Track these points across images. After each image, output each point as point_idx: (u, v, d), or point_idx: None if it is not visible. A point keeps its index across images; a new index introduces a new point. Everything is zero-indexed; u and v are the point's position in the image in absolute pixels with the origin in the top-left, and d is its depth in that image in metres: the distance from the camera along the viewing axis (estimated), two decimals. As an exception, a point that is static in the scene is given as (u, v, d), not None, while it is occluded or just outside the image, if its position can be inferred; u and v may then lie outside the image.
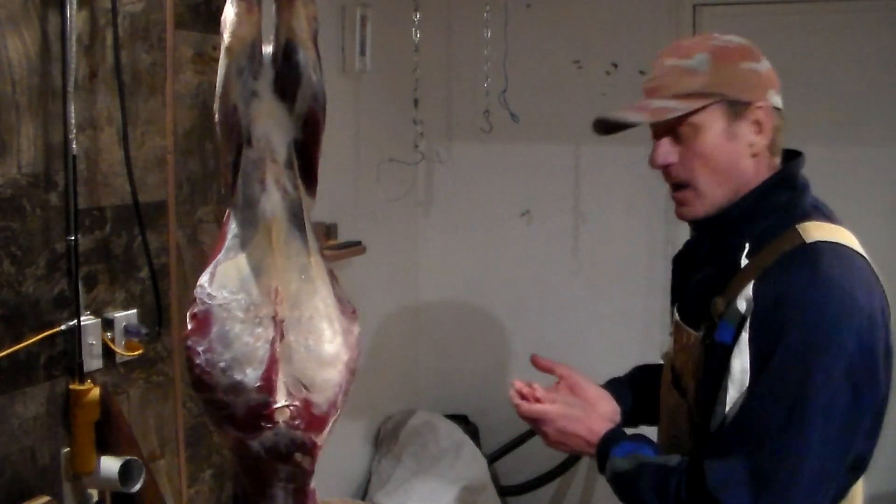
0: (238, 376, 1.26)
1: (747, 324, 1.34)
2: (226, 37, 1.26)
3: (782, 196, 1.43)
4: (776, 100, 1.46)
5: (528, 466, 3.27)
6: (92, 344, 1.87)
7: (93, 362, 1.88)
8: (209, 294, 1.29)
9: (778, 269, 1.35)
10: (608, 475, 1.48)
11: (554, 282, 3.32)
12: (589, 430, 1.53)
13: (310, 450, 1.32)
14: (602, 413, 1.59)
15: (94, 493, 1.90)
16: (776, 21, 2.91)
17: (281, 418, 1.28)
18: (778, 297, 1.33)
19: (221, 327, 1.27)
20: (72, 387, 1.82)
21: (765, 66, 1.47)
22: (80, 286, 1.83)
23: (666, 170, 1.46)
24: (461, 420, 3.35)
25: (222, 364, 1.26)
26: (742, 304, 1.36)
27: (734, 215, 1.44)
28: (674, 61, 1.46)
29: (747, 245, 1.41)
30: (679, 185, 1.46)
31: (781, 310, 1.32)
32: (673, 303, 1.68)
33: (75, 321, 1.82)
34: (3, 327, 1.70)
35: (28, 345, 1.74)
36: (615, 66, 3.13)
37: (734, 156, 1.42)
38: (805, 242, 1.36)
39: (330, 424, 1.33)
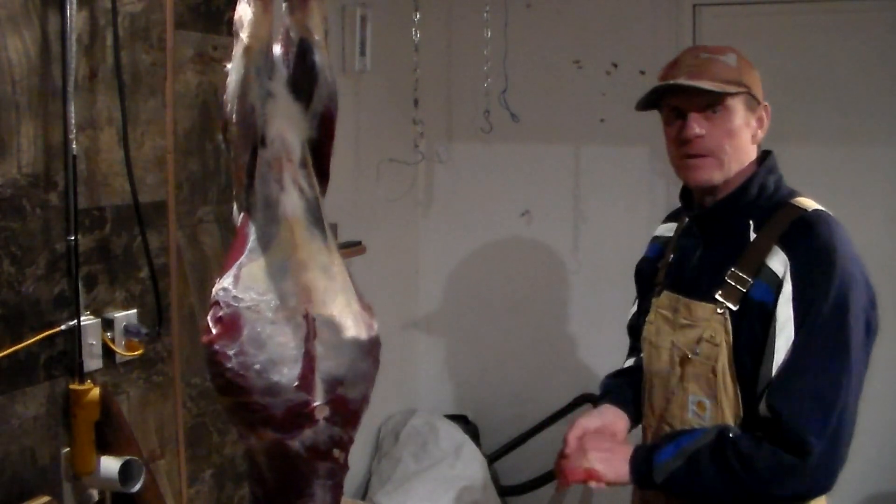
0: (275, 377, 1.26)
1: (787, 279, 1.59)
2: (244, 37, 1.26)
3: (771, 182, 1.73)
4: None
5: (528, 466, 3.26)
6: (92, 344, 1.87)
7: (93, 362, 1.89)
8: (235, 296, 1.28)
9: (797, 232, 1.63)
10: (661, 479, 1.64)
11: (554, 282, 3.32)
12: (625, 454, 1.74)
13: (346, 445, 1.34)
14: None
15: (94, 493, 1.90)
16: (776, 21, 2.91)
17: (321, 416, 1.29)
18: (810, 253, 1.60)
19: (253, 329, 1.26)
20: (72, 387, 1.82)
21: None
22: (80, 286, 1.83)
23: (695, 140, 1.70)
24: (461, 420, 3.35)
25: (257, 366, 1.25)
26: (778, 267, 1.61)
27: (738, 201, 1.71)
28: (708, 55, 1.72)
29: (751, 223, 1.68)
30: (699, 155, 1.71)
31: (816, 262, 1.59)
32: (643, 299, 1.93)
33: (75, 321, 1.82)
34: (3, 327, 1.70)
35: (28, 345, 1.74)
36: (615, 66, 3.13)
37: (746, 140, 1.72)
38: (807, 211, 1.66)
39: (361, 418, 1.36)
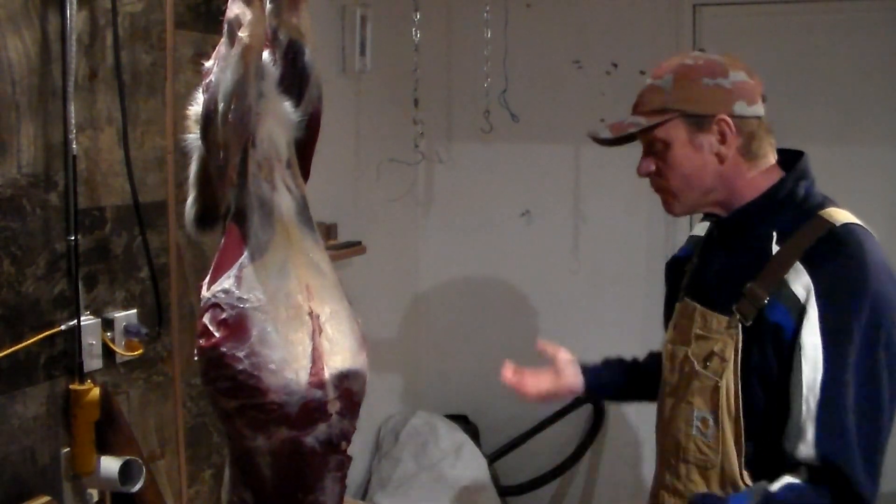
0: (289, 375, 1.27)
1: (812, 303, 1.46)
2: (244, 37, 1.26)
3: (801, 189, 1.59)
4: (746, 109, 1.57)
5: (528, 466, 3.27)
6: (92, 344, 1.87)
7: (93, 362, 1.88)
8: (239, 297, 1.28)
9: (824, 250, 1.50)
10: None
11: (554, 282, 3.32)
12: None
13: (350, 436, 1.37)
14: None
15: (94, 493, 1.90)
16: (776, 21, 2.91)
17: (333, 410, 1.31)
18: (838, 275, 1.47)
19: (262, 329, 1.27)
20: (72, 387, 1.82)
21: (735, 78, 1.58)
22: (80, 286, 1.83)
23: (651, 178, 1.65)
24: (461, 420, 3.35)
25: (272, 366, 1.26)
26: (800, 289, 1.48)
27: (761, 208, 1.59)
28: (651, 81, 1.63)
29: (775, 234, 1.55)
30: (660, 189, 1.65)
31: (845, 286, 1.46)
32: (669, 301, 1.81)
33: (75, 321, 1.82)
34: (3, 327, 1.70)
35: (28, 345, 1.74)
36: (615, 66, 3.13)
37: (701, 164, 1.58)
38: (836, 225, 1.52)
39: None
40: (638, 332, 3.10)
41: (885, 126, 2.85)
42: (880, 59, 2.83)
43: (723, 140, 1.56)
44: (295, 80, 1.34)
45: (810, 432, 1.45)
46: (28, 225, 1.74)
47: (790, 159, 1.62)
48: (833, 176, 2.81)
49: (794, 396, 1.46)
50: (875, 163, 2.87)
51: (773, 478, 1.52)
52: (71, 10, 1.76)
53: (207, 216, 1.44)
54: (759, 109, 1.59)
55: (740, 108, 1.56)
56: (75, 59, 1.78)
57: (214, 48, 2.16)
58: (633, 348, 3.10)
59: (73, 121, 1.78)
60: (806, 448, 1.45)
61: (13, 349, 1.71)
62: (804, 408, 1.45)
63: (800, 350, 1.46)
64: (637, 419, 3.19)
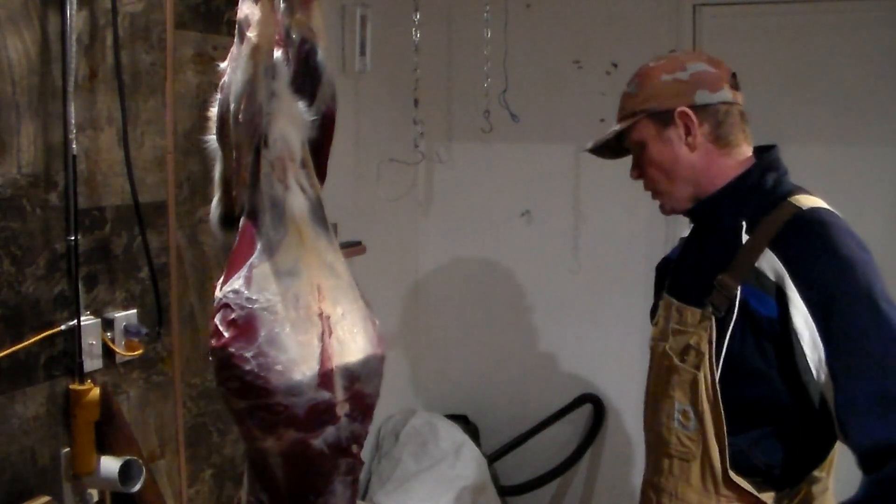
0: (297, 377, 1.27)
1: (790, 286, 1.48)
2: (252, 37, 1.26)
3: (770, 179, 1.62)
4: (709, 97, 1.62)
5: (528, 466, 3.27)
6: (92, 344, 1.87)
7: (93, 362, 1.88)
8: (248, 298, 1.28)
9: (790, 234, 1.52)
10: None
11: (554, 282, 3.32)
12: None
13: (363, 440, 1.36)
14: None
15: (94, 493, 1.90)
16: (776, 21, 2.91)
17: (342, 412, 1.31)
18: (808, 255, 1.49)
19: (270, 330, 1.27)
20: (72, 387, 1.82)
21: (694, 69, 1.64)
22: (80, 286, 1.83)
23: (643, 183, 1.74)
24: (461, 420, 3.35)
25: (279, 367, 1.26)
26: (771, 273, 1.51)
27: (727, 197, 1.63)
28: (624, 88, 1.71)
29: (744, 223, 1.58)
30: (651, 190, 1.74)
31: (818, 261, 1.48)
32: (657, 301, 1.84)
33: (75, 321, 1.82)
34: (3, 327, 1.70)
35: (28, 345, 1.74)
36: (615, 66, 3.13)
37: (674, 157, 1.65)
38: (802, 209, 1.55)
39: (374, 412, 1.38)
40: (638, 333, 3.10)
41: (885, 126, 2.84)
42: (880, 59, 2.83)
43: (688, 130, 1.62)
44: (307, 79, 1.34)
45: (843, 423, 1.44)
46: (28, 225, 1.74)
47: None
48: (833, 176, 2.83)
49: (808, 382, 1.47)
50: (875, 163, 2.86)
51: (760, 477, 1.54)
52: (71, 10, 1.76)
53: (232, 217, 1.44)
54: (724, 95, 1.63)
55: (702, 96, 1.62)
56: (75, 59, 1.78)
57: (214, 48, 2.17)
58: (633, 348, 3.12)
59: (73, 121, 1.78)
60: (847, 439, 1.45)
61: (13, 349, 1.71)
62: (826, 391, 1.45)
63: (795, 335, 1.47)
64: (637, 419, 3.18)
